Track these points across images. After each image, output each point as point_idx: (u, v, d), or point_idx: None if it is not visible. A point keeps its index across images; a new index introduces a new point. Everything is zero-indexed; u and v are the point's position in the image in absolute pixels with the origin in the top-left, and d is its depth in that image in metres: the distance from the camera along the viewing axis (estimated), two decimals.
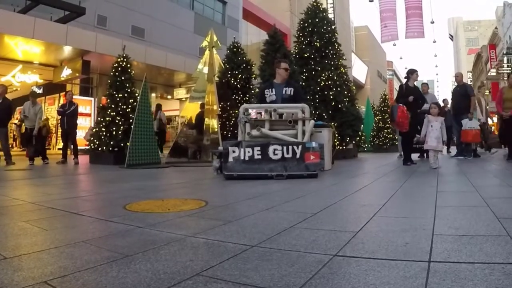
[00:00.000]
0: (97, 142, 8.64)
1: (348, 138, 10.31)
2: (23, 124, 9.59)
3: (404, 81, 7.57)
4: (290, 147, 4.81)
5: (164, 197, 3.18)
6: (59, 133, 10.96)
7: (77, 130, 9.50)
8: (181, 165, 8.02)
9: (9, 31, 11.63)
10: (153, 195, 3.45)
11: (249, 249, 1.59)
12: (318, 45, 10.31)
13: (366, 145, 14.96)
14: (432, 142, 5.88)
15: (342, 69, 10.76)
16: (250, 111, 5.54)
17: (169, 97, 20.76)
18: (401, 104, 6.66)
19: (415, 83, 7.45)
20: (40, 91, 15.39)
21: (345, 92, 10.36)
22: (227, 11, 24.13)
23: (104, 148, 8.46)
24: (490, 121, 10.70)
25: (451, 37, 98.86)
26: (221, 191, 3.82)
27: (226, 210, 2.59)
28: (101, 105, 10.23)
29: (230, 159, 4.78)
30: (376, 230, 1.91)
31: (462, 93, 8.59)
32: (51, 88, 16.16)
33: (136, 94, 8.75)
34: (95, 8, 15.55)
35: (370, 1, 23.14)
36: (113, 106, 8.69)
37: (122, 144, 8.33)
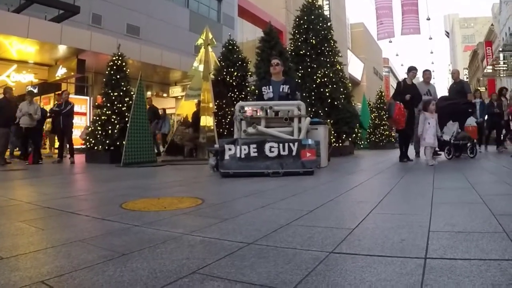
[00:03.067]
0: (93, 141, 8.61)
1: (344, 135, 10.33)
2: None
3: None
4: (286, 144, 4.81)
5: (161, 196, 3.17)
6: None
7: (72, 129, 9.46)
8: (177, 163, 8.01)
9: (3, 31, 11.54)
10: (150, 193, 3.44)
11: (245, 246, 1.59)
12: (314, 42, 10.31)
13: (362, 142, 14.98)
14: (430, 139, 5.91)
15: (338, 66, 10.79)
16: (246, 108, 5.54)
17: (164, 95, 20.69)
18: (398, 102, 6.68)
19: (413, 80, 7.48)
20: (35, 90, 15.30)
21: (341, 89, 10.39)
22: (223, 8, 24.06)
23: (100, 147, 8.43)
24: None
25: (447, 34, 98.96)
26: (217, 189, 3.82)
27: (222, 208, 2.59)
28: (96, 103, 10.19)
29: (226, 156, 4.78)
30: (372, 227, 1.91)
31: (459, 90, 8.62)
32: (46, 87, 16.08)
33: (132, 93, 8.72)
34: (90, 7, 15.45)
35: None
36: (108, 104, 8.66)
37: (118, 143, 8.31)
